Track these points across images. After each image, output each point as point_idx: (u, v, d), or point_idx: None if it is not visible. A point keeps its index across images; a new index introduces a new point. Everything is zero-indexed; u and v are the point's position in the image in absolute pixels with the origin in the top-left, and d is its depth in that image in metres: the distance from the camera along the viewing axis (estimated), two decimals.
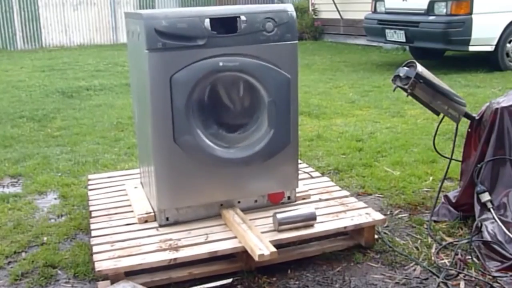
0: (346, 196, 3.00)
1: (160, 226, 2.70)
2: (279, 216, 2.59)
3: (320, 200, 2.96)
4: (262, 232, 2.53)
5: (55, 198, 3.56)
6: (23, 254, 2.80)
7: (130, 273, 2.34)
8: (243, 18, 2.61)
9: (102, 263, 2.34)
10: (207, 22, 2.55)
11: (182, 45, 2.53)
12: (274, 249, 2.34)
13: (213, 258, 2.47)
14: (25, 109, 6.27)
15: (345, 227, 2.67)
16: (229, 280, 2.44)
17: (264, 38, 2.66)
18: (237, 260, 2.53)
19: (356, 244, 2.72)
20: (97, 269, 2.31)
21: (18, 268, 2.63)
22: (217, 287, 2.41)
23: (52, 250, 2.80)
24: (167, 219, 2.72)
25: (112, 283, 2.29)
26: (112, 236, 2.61)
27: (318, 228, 2.62)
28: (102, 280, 2.39)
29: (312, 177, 3.29)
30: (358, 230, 2.71)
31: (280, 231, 2.57)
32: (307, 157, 4.15)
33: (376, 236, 2.75)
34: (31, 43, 13.92)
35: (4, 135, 5.13)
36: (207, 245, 2.48)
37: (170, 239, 2.54)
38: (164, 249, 2.45)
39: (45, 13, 14.04)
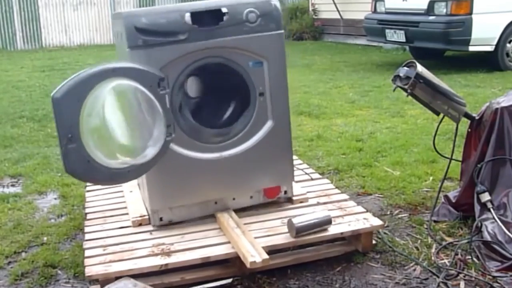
0: (345, 200, 2.94)
1: (154, 229, 2.66)
2: (295, 222, 2.49)
3: (318, 203, 2.89)
4: (256, 237, 2.49)
5: (55, 198, 3.56)
6: (23, 254, 2.80)
7: (121, 278, 2.30)
8: (224, 10, 2.59)
9: (93, 268, 2.32)
10: (187, 16, 2.53)
11: (163, 41, 2.51)
12: (266, 256, 2.30)
13: (207, 263, 2.44)
14: (25, 109, 6.27)
15: (341, 233, 2.60)
16: (229, 280, 2.43)
17: (247, 29, 2.62)
18: (231, 265, 2.49)
19: (353, 250, 2.66)
20: (87, 274, 2.29)
21: (18, 268, 2.64)
22: (217, 287, 2.40)
23: (52, 250, 2.80)
24: (161, 219, 2.69)
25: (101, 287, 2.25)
26: (105, 239, 2.58)
27: (314, 234, 2.55)
28: (94, 284, 2.38)
29: (312, 179, 3.25)
30: (355, 236, 2.65)
31: (295, 238, 2.51)
32: (307, 157, 4.15)
33: (375, 237, 2.73)
34: (31, 43, 13.91)
35: (4, 135, 5.13)
36: (199, 250, 2.44)
37: (163, 244, 2.51)
38: (156, 254, 2.42)
39: (45, 13, 14.03)
